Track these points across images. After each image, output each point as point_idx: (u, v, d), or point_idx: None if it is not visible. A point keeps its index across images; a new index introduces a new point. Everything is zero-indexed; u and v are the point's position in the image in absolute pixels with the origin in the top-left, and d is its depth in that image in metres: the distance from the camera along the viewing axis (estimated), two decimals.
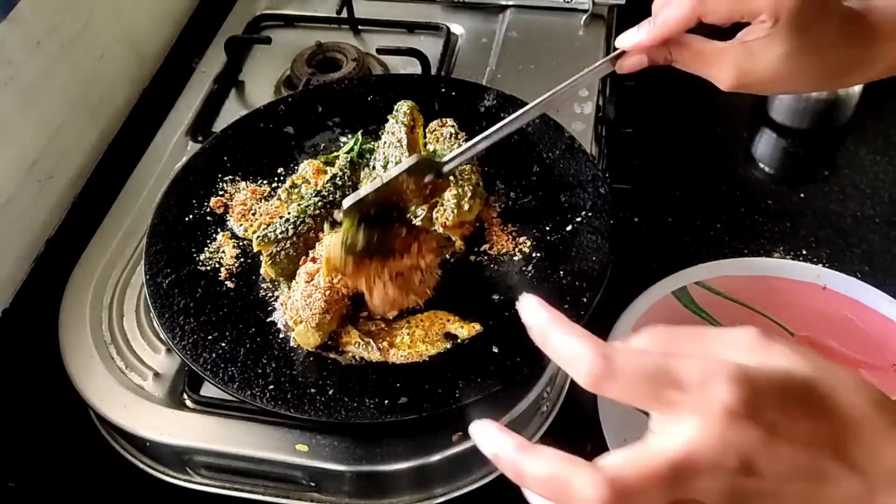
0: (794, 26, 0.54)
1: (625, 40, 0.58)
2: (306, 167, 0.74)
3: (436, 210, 0.70)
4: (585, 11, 0.95)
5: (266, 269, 0.68)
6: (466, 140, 0.73)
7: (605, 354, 0.39)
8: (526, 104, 0.77)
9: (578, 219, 0.70)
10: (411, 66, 0.91)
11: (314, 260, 0.64)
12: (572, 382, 0.68)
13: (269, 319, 0.66)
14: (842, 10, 0.57)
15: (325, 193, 0.70)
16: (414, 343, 0.63)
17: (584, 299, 0.64)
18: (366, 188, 0.60)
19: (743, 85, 0.56)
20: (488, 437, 0.43)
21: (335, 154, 0.76)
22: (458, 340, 0.63)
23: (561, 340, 0.41)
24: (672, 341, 0.42)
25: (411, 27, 0.97)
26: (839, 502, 0.40)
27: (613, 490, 0.38)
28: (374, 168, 0.74)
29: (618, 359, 0.39)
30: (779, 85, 0.57)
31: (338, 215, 0.62)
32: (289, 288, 0.67)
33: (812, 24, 0.55)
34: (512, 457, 0.42)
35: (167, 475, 0.66)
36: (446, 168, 0.62)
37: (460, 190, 0.69)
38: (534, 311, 0.42)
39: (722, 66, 0.57)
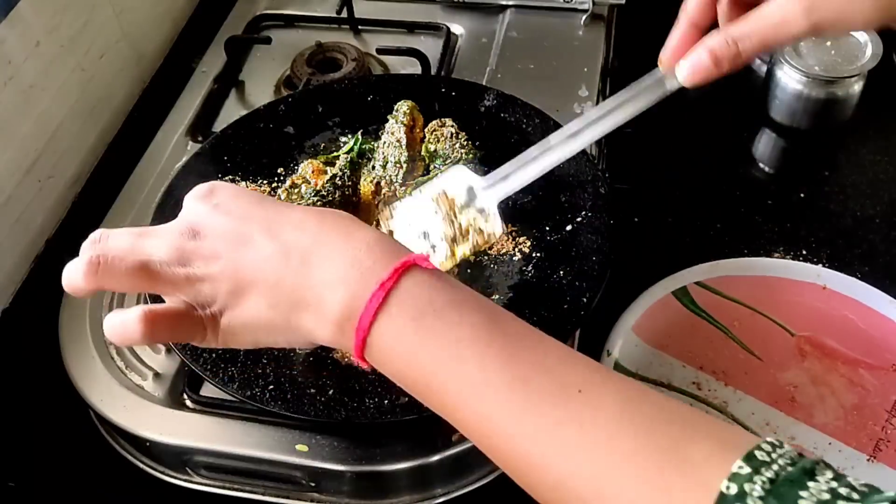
0: None
1: (662, 53, 0.59)
2: (306, 167, 0.74)
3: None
4: (585, 11, 0.95)
5: None
6: (467, 140, 0.73)
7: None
8: (526, 104, 0.78)
9: (578, 219, 0.70)
10: (411, 66, 0.91)
11: None
12: None
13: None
14: None
15: (325, 193, 0.70)
16: None
17: (584, 299, 0.64)
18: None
19: (818, 23, 0.51)
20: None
21: (335, 154, 0.76)
22: None
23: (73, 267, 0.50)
24: None
25: (411, 27, 0.97)
26: (262, 259, 0.49)
27: (99, 232, 0.51)
28: (373, 168, 0.74)
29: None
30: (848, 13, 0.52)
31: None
32: None
33: None
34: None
35: (167, 475, 0.66)
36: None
37: None
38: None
39: (788, 14, 0.52)
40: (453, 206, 0.63)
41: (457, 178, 0.63)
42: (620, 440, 0.41)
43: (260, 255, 0.49)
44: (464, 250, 0.64)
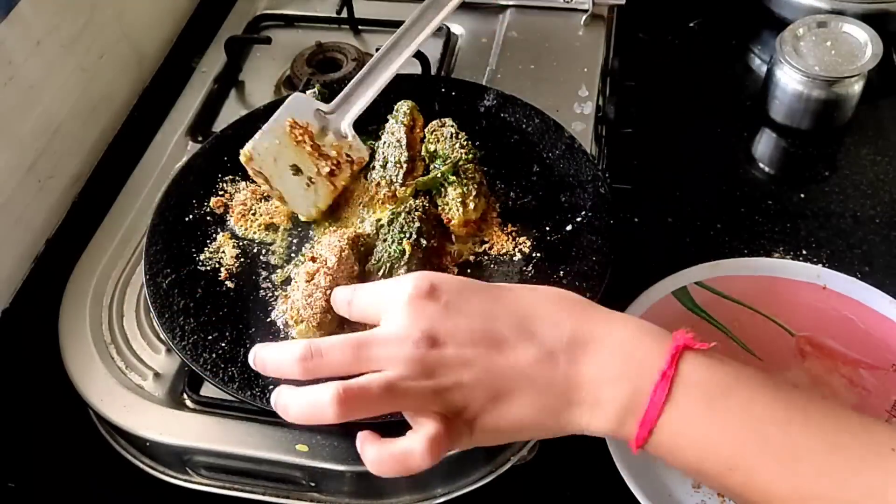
0: None
1: None
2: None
3: (441, 209, 0.70)
4: (585, 11, 0.95)
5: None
6: (467, 140, 0.73)
7: (309, 345, 0.50)
8: (526, 104, 0.78)
9: (578, 219, 0.70)
10: (411, 66, 0.91)
11: (314, 259, 0.64)
12: None
13: (268, 319, 0.66)
14: None
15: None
16: None
17: None
18: None
19: None
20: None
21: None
22: None
23: (275, 353, 0.52)
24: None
25: None
26: (527, 365, 0.47)
27: (308, 345, 0.49)
28: (373, 168, 0.74)
29: (321, 344, 0.50)
30: None
31: None
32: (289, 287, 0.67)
33: None
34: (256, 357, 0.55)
35: (167, 475, 0.66)
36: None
37: (465, 189, 0.69)
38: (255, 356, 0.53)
39: None
40: (312, 136, 0.64)
41: (301, 105, 0.64)
42: None
43: (522, 359, 0.47)
44: (342, 181, 0.66)
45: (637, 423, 0.47)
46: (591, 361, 0.48)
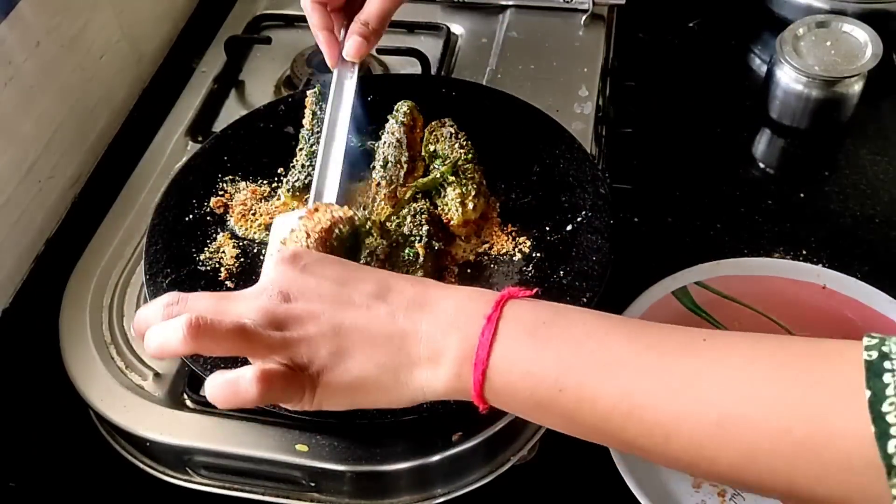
0: None
1: (329, 61, 0.72)
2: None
3: (440, 210, 0.70)
4: (585, 11, 0.95)
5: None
6: (467, 140, 0.73)
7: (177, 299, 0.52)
8: (526, 104, 0.78)
9: (578, 219, 0.70)
10: (411, 66, 0.91)
11: None
12: None
13: None
14: None
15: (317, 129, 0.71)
16: None
17: (584, 299, 0.64)
18: None
19: None
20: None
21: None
22: None
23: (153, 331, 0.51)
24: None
25: (411, 27, 0.97)
26: (367, 321, 0.50)
27: (174, 294, 0.52)
28: (373, 168, 0.74)
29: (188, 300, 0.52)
30: None
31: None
32: None
33: None
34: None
35: (167, 475, 0.66)
36: None
37: (464, 189, 0.69)
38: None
39: None
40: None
41: (284, 224, 0.65)
42: (762, 362, 0.45)
43: (363, 317, 0.50)
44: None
45: (471, 368, 0.49)
46: (426, 318, 0.51)
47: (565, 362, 0.48)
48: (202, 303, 0.52)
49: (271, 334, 0.50)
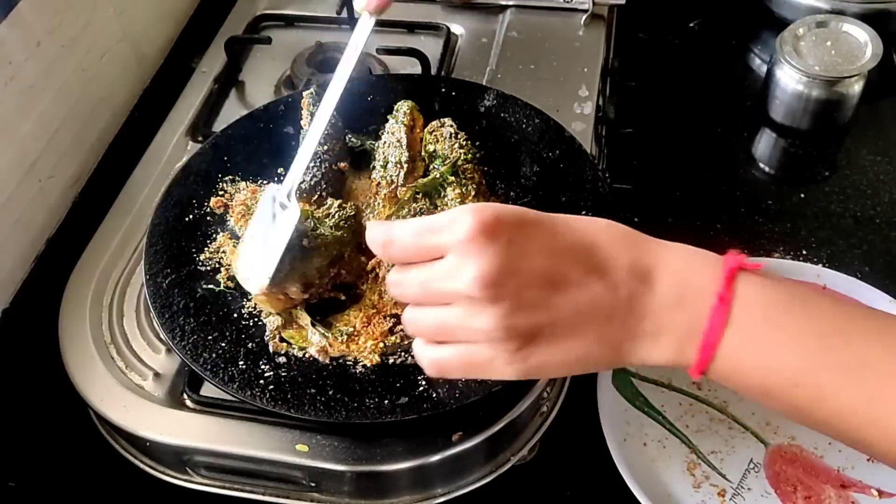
0: None
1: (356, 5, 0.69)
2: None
3: (440, 210, 0.70)
4: (585, 11, 0.95)
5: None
6: (467, 140, 0.73)
7: (385, 226, 0.50)
8: (526, 104, 0.78)
9: None
10: (411, 66, 0.91)
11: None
12: (572, 383, 0.69)
13: (269, 319, 0.65)
14: None
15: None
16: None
17: None
18: None
19: None
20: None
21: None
22: None
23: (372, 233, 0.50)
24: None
25: (411, 27, 0.97)
26: (588, 301, 0.47)
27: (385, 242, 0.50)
28: (373, 168, 0.74)
29: (396, 226, 0.50)
30: None
31: None
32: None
33: None
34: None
35: (167, 475, 0.66)
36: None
37: (464, 189, 0.69)
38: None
39: None
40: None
41: (267, 202, 0.65)
42: None
43: (582, 297, 0.47)
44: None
45: (697, 350, 0.47)
46: (651, 292, 0.48)
47: (804, 359, 0.46)
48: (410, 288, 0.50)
49: (481, 320, 0.47)
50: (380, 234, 0.49)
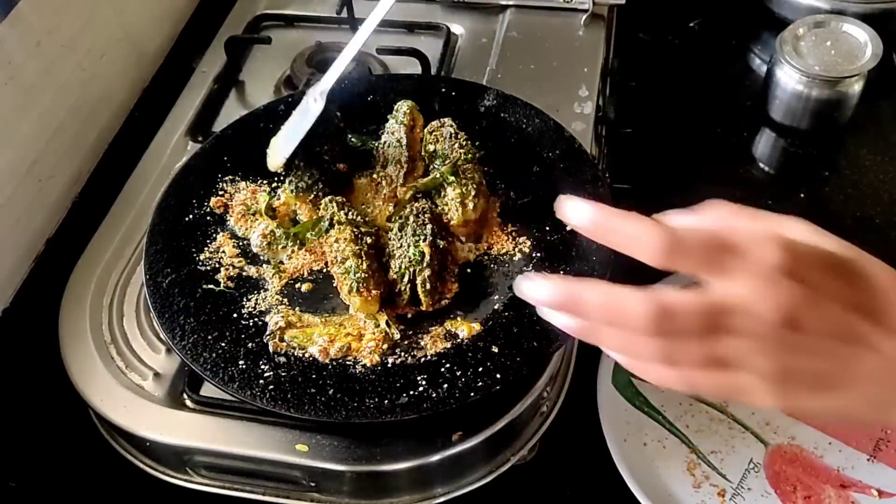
0: None
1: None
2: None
3: (440, 210, 0.70)
4: (585, 11, 0.95)
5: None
6: (467, 140, 0.73)
7: (669, 231, 0.44)
8: (526, 104, 0.78)
9: None
10: (411, 66, 0.91)
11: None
12: (572, 383, 0.69)
13: (269, 319, 0.66)
14: None
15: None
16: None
17: None
18: None
19: None
20: (536, 287, 0.46)
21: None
22: (459, 340, 0.63)
23: (623, 225, 0.45)
24: (730, 217, 0.48)
25: (411, 27, 0.97)
26: (872, 359, 0.45)
27: (661, 308, 0.44)
28: (373, 168, 0.74)
29: (680, 233, 0.44)
30: None
31: None
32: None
33: None
34: (567, 289, 0.46)
35: (167, 475, 0.66)
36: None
37: (464, 189, 0.69)
38: (582, 210, 0.46)
39: None
40: None
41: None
42: None
43: (874, 358, 0.45)
44: None
45: None
46: None
47: None
48: (692, 322, 0.44)
49: (769, 360, 0.44)
50: (666, 237, 0.45)
